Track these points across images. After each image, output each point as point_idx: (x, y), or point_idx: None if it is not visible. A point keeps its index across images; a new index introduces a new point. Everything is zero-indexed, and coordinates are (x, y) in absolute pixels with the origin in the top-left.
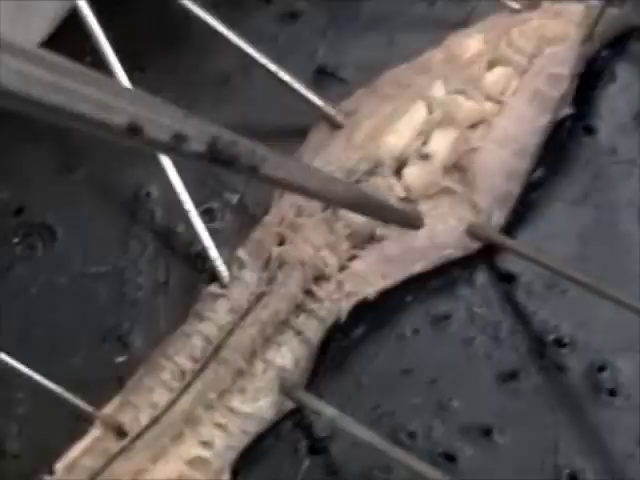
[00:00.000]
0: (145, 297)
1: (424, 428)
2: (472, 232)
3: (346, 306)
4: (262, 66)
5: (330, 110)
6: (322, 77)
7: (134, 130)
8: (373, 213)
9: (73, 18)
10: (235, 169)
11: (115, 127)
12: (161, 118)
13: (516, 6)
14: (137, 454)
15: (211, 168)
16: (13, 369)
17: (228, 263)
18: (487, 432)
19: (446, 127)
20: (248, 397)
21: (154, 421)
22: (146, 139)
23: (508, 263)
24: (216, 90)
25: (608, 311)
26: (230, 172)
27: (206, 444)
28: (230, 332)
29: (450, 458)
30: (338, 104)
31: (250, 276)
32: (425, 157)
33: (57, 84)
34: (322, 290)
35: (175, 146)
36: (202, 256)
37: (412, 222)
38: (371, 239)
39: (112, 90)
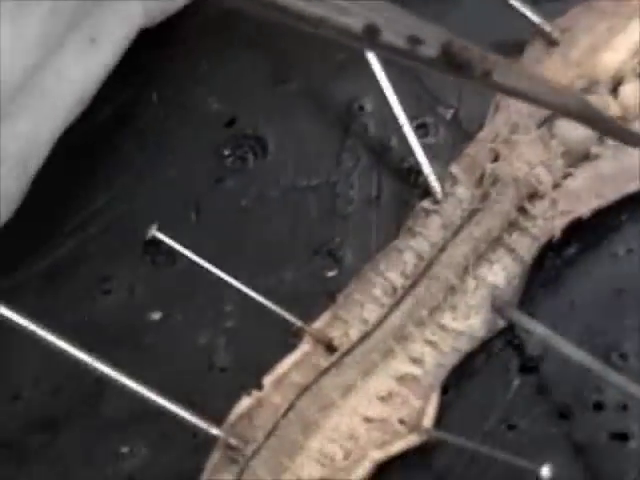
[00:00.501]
0: (357, 211)
1: (637, 349)
2: None
3: (560, 224)
4: None
5: (546, 26)
6: None
7: (372, 32)
8: (597, 126)
9: None
10: (468, 74)
11: (353, 30)
12: (397, 22)
13: None
14: (346, 370)
15: (445, 72)
16: (223, 281)
17: (441, 179)
18: None
19: None
20: (459, 314)
21: (364, 337)
22: (383, 42)
23: None
24: (434, 4)
25: None
26: (462, 77)
27: (416, 361)
28: (442, 249)
29: None
30: (554, 20)
31: (463, 192)
32: None
33: None
34: (536, 208)
35: (411, 49)
36: (415, 171)
37: (633, 139)
38: (586, 157)
39: None
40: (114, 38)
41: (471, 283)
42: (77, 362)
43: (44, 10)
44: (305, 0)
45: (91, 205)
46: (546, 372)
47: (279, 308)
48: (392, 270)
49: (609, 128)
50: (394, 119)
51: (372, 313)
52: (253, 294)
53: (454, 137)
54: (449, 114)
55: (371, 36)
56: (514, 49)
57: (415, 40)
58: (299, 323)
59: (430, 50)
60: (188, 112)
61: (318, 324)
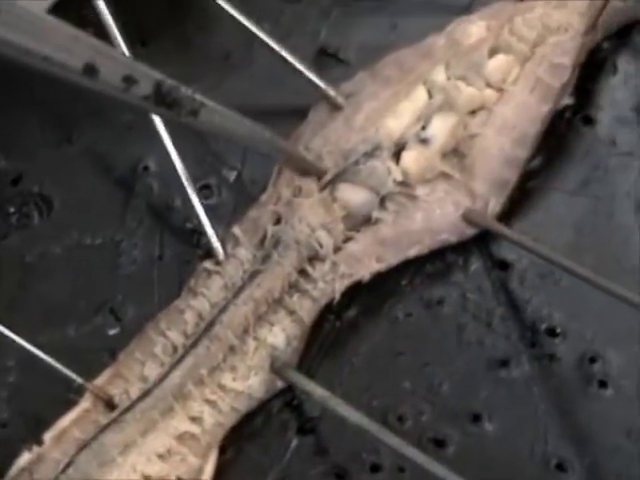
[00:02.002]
0: (139, 270)
1: (414, 412)
2: (468, 218)
3: (340, 287)
4: (265, 44)
5: (331, 91)
6: (324, 58)
7: (90, 71)
8: (290, 161)
9: None
10: (177, 112)
11: (73, 68)
12: (114, 62)
13: None
14: (126, 427)
15: (156, 111)
16: (5, 337)
17: (223, 240)
18: (476, 418)
19: (446, 112)
20: (239, 374)
21: (144, 395)
22: (101, 81)
23: (503, 250)
24: (218, 67)
25: (601, 302)
26: (171, 116)
27: (195, 420)
28: (223, 309)
29: (439, 443)
30: (339, 85)
31: (245, 254)
32: (424, 141)
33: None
34: (316, 270)
35: (126, 88)
36: (198, 232)
37: (321, 174)
38: (367, 221)
39: (70, 35)
40: None
41: (251, 344)
42: None
43: None
44: (33, 39)
45: None
46: (324, 433)
47: (60, 365)
48: (173, 329)
49: (299, 164)
50: (178, 180)
51: (152, 371)
52: (34, 350)
53: (237, 199)
54: (233, 176)
55: (90, 75)
56: (299, 112)
57: (130, 80)
58: (80, 380)
59: (143, 89)
60: None
61: (99, 381)
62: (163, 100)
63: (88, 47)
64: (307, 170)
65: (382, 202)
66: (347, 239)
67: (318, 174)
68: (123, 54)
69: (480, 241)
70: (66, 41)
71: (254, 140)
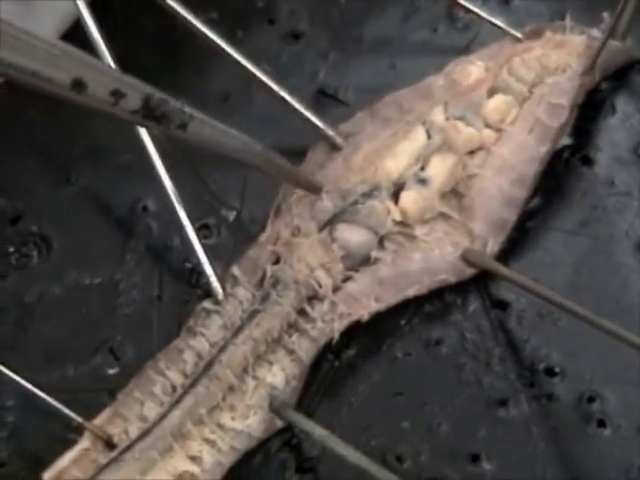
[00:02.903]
0: (138, 310)
1: (412, 452)
2: (467, 258)
3: (339, 327)
4: (263, 85)
5: (329, 131)
6: (323, 98)
7: (79, 86)
8: (281, 175)
9: (76, 31)
10: (166, 126)
11: (61, 83)
12: (102, 76)
13: (518, 35)
14: (126, 466)
15: (145, 125)
16: (4, 376)
17: (222, 280)
18: (475, 458)
19: (445, 153)
20: (238, 414)
21: (144, 434)
22: (89, 95)
23: (501, 290)
24: (217, 108)
25: (599, 342)
26: (161, 129)
27: (195, 459)
28: (222, 349)
29: None
30: (338, 126)
31: (244, 293)
32: (422, 182)
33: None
34: (315, 310)
35: (115, 102)
36: (197, 272)
37: (313, 187)
38: (366, 261)
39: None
40: None
41: (250, 383)
42: None
43: None
44: (21, 54)
45: None
46: (323, 473)
47: (60, 404)
48: (172, 369)
49: (292, 178)
50: (177, 220)
51: (152, 411)
52: (34, 389)
53: (236, 239)
54: (232, 216)
55: (78, 89)
56: (298, 153)
57: (118, 94)
58: (79, 419)
59: (132, 103)
60: None
61: (98, 420)
62: (152, 113)
63: (76, 62)
64: (300, 184)
65: (381, 242)
66: (346, 279)
67: (311, 189)
68: (111, 68)
69: (479, 281)
70: (54, 56)
71: (245, 153)
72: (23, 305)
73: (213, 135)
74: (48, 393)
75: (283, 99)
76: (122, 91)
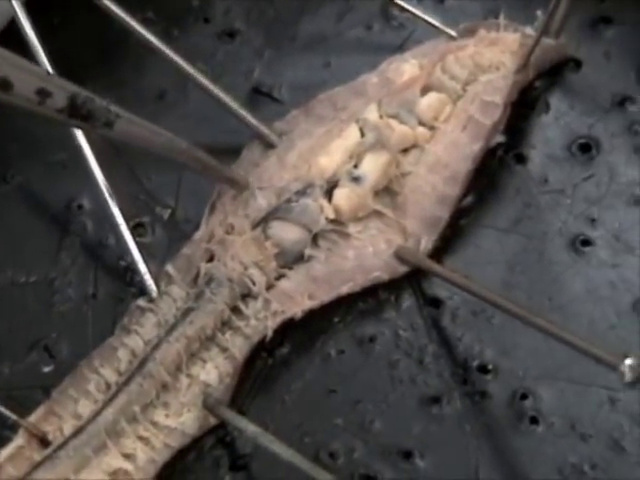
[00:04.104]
0: (73, 308)
1: (346, 449)
2: (400, 256)
3: (272, 324)
4: (198, 83)
5: (264, 129)
6: (257, 96)
7: (4, 86)
8: (207, 172)
9: (11, 30)
10: (92, 124)
11: None
12: (27, 75)
13: (452, 33)
14: (60, 464)
15: (72, 124)
16: None
17: (157, 278)
18: (408, 455)
19: (378, 150)
20: (172, 411)
21: (77, 432)
22: (15, 95)
23: (435, 288)
24: (152, 106)
25: (532, 339)
26: (87, 127)
27: (129, 456)
28: (156, 346)
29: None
30: (272, 124)
31: (178, 291)
32: (356, 180)
33: None
34: (249, 308)
35: (41, 101)
36: (131, 270)
37: (238, 184)
38: (299, 259)
39: None
40: None
41: (184, 381)
42: None
43: None
44: None
45: None
46: (256, 470)
47: None
48: (106, 367)
49: (217, 173)
50: (112, 218)
51: (86, 408)
52: None
53: (170, 237)
54: (166, 214)
55: (4, 88)
56: (233, 151)
57: (44, 92)
58: (14, 417)
59: (58, 102)
60: None
61: (33, 418)
62: (78, 112)
63: (1, 61)
64: (226, 180)
65: (314, 240)
66: (279, 276)
67: (235, 184)
68: (37, 67)
69: (412, 279)
70: None
71: (171, 150)
72: None
73: (139, 133)
74: None
75: (218, 97)
76: (48, 90)
